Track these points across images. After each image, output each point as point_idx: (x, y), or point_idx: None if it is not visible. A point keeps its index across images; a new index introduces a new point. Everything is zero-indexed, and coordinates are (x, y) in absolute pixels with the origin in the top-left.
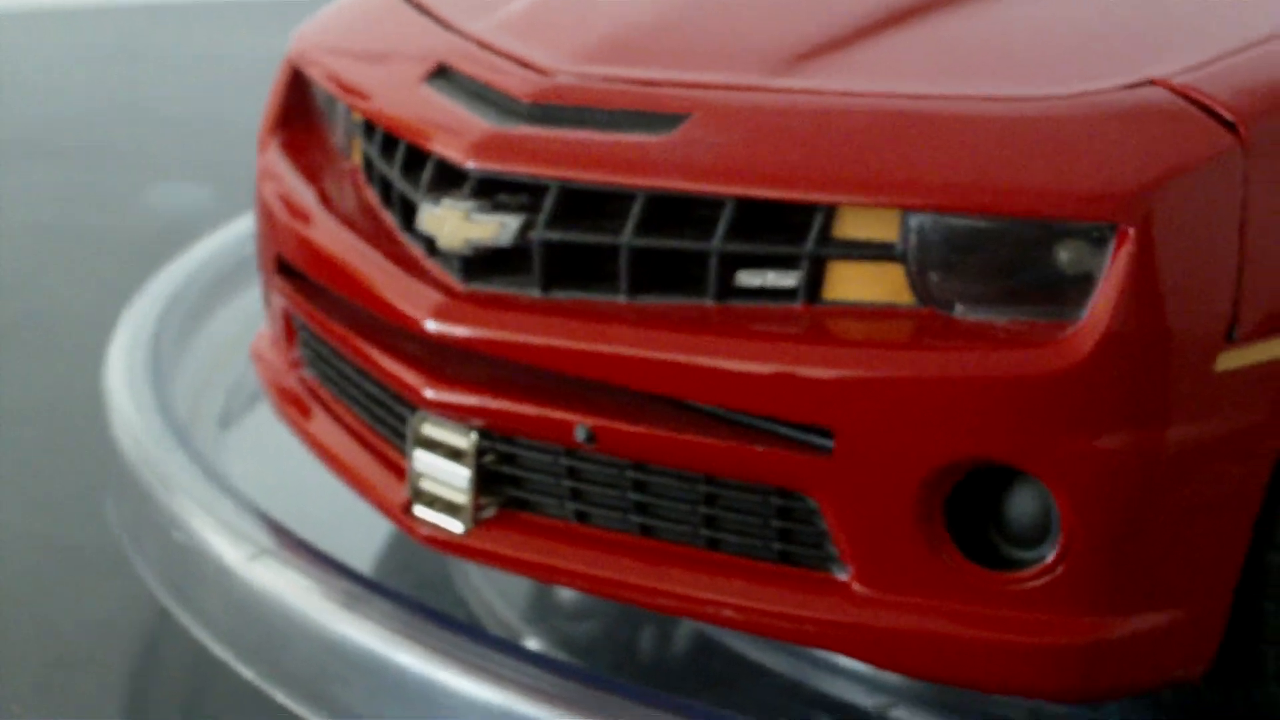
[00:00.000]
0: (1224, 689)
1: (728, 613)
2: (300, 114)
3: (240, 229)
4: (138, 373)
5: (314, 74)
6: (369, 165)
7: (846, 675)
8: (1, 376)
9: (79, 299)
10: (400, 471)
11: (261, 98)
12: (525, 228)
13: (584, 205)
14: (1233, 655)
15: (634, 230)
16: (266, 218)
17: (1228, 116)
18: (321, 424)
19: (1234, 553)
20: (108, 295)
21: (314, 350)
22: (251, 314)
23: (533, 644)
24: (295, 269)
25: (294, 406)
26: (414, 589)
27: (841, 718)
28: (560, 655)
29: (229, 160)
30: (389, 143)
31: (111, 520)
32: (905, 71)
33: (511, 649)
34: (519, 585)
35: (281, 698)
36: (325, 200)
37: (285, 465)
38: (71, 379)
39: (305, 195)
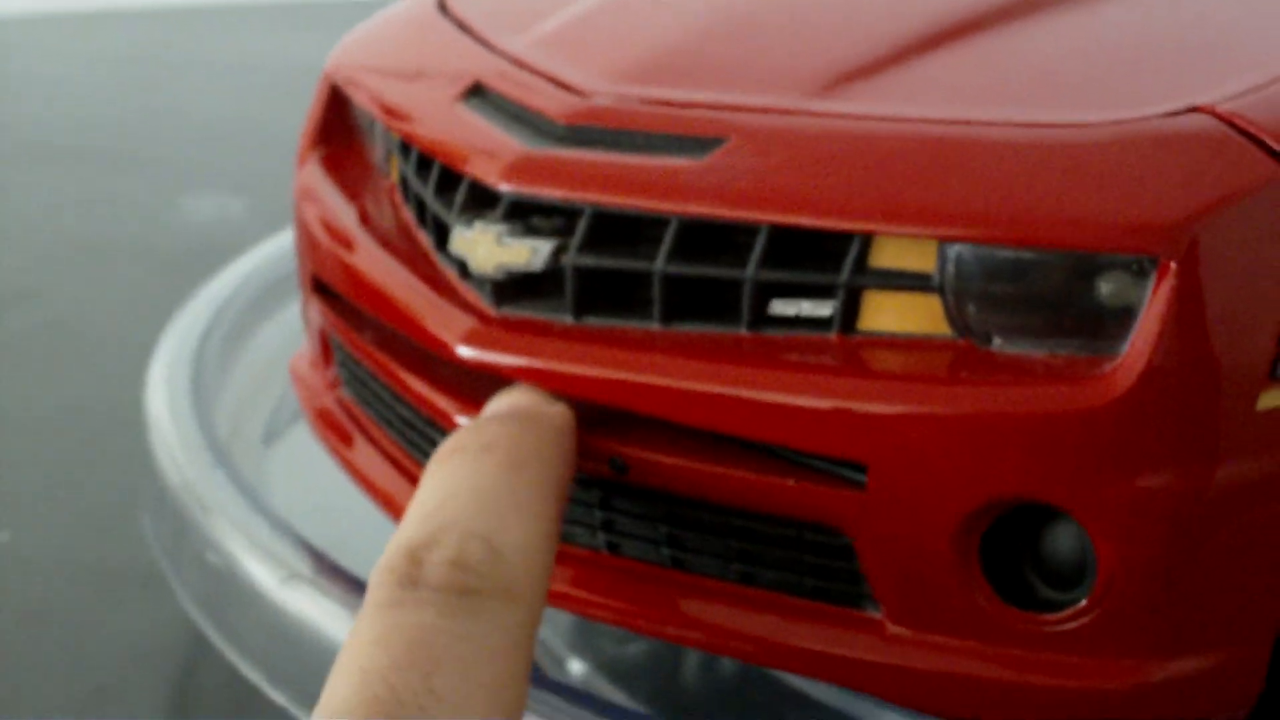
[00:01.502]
0: None
1: (758, 649)
2: (339, 129)
3: (281, 243)
4: (179, 391)
5: (352, 91)
6: (405, 184)
7: (888, 707)
8: (26, 385)
9: (105, 308)
10: None
11: (291, 103)
12: (558, 252)
13: (617, 230)
14: (1275, 698)
15: (667, 257)
16: (304, 236)
17: (1274, 145)
18: (357, 446)
19: (1276, 594)
20: (135, 305)
21: (350, 371)
22: (298, 328)
23: (576, 668)
24: (331, 288)
25: (330, 427)
26: None
27: None
28: (603, 679)
29: (259, 169)
30: (424, 162)
31: (149, 538)
32: (944, 95)
33: (548, 684)
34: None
35: None
36: (362, 219)
37: (328, 484)
38: (97, 388)
39: (342, 214)
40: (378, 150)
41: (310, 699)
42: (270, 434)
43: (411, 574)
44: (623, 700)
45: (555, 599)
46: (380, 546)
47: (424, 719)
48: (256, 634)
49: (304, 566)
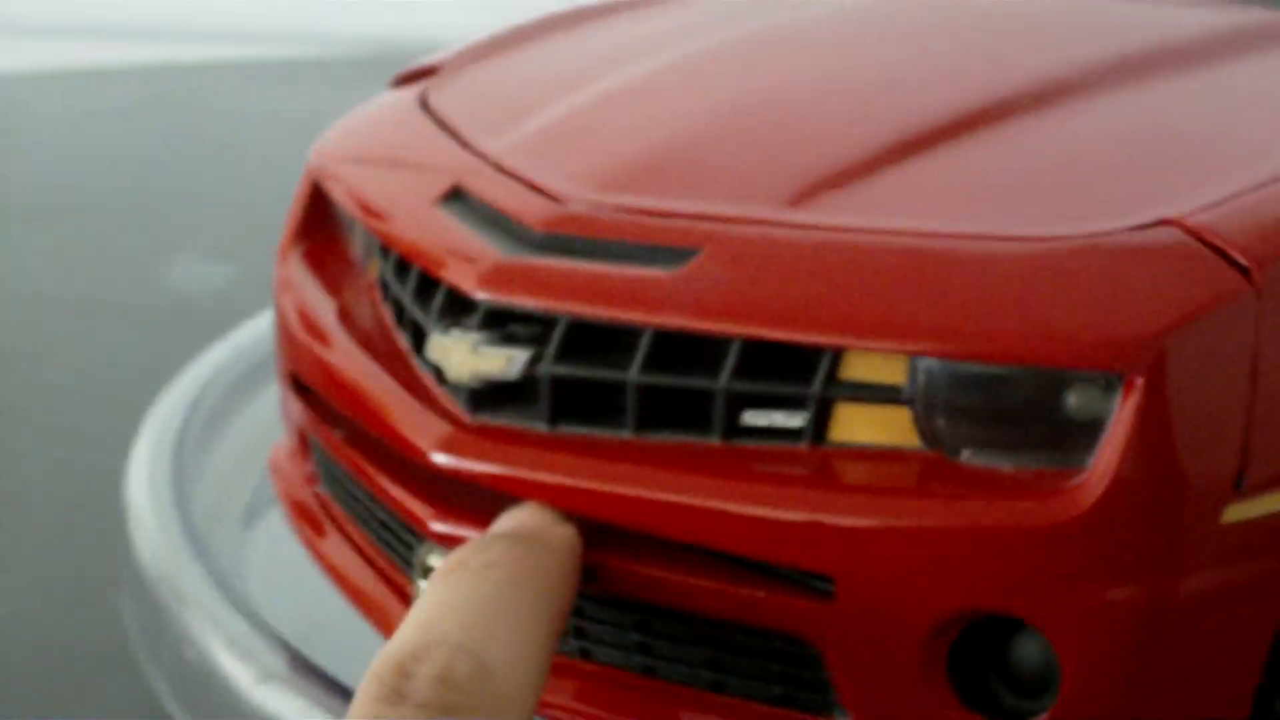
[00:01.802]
0: None
1: None
2: (322, 223)
3: (262, 324)
4: (159, 480)
5: (332, 189)
6: (385, 284)
7: None
8: (5, 454)
9: (87, 375)
10: (408, 598)
11: (282, 162)
12: (533, 361)
13: (592, 339)
14: None
15: (641, 367)
16: (284, 331)
17: (1241, 260)
18: (332, 542)
19: (1241, 704)
20: (118, 372)
21: (327, 468)
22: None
23: None
24: (309, 386)
25: (307, 522)
26: None
27: None
28: None
29: (244, 230)
30: (402, 265)
31: (127, 626)
32: (915, 206)
33: None
34: None
35: None
36: (340, 318)
37: (306, 569)
38: (76, 457)
39: (320, 312)
40: (358, 246)
41: None
42: (250, 514)
43: (398, 688)
44: None
45: None
46: (355, 637)
47: None
48: None
49: (279, 665)
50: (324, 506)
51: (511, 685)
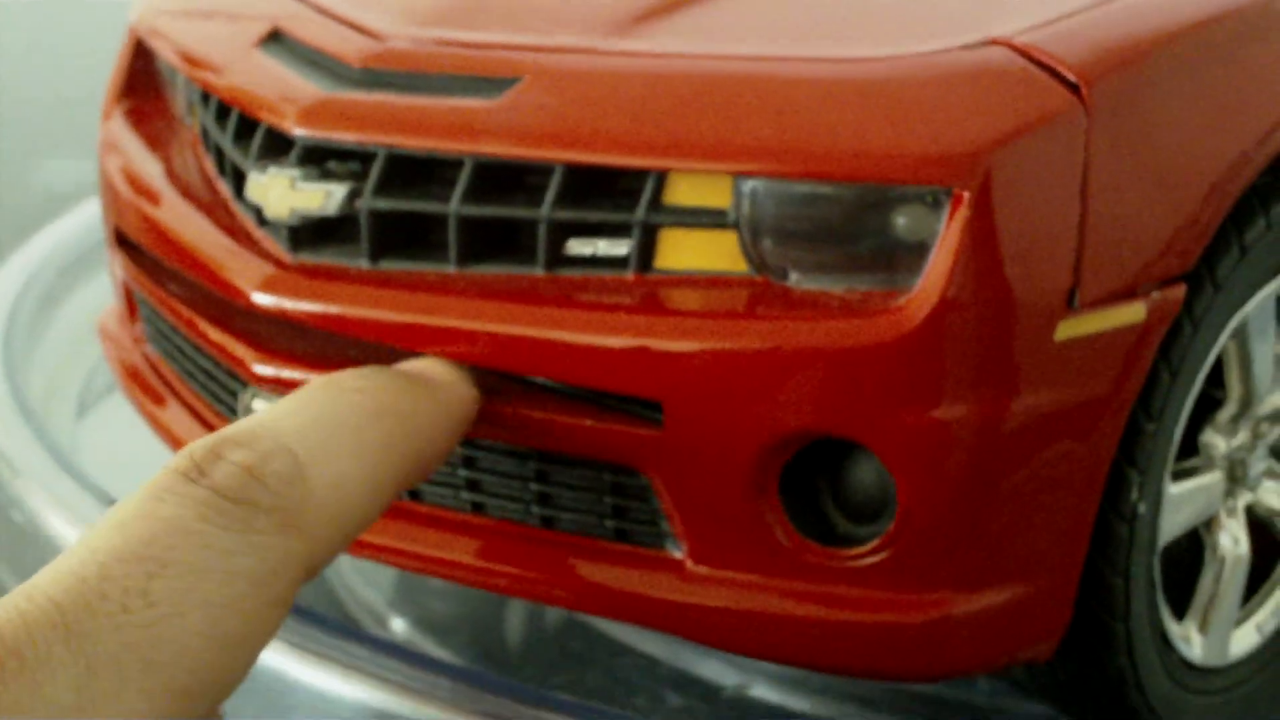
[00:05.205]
0: (1075, 664)
1: (560, 592)
2: (145, 82)
3: (93, 209)
4: None
5: (154, 42)
6: (206, 134)
7: (707, 653)
8: None
9: None
10: None
11: None
12: (352, 196)
13: (412, 172)
14: (1083, 630)
15: (462, 198)
16: (107, 189)
17: (1070, 77)
18: (164, 402)
19: (1081, 525)
20: None
21: (155, 325)
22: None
23: (397, 622)
24: (133, 241)
25: (137, 384)
26: None
27: (697, 696)
28: (423, 633)
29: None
30: (223, 110)
31: None
32: (742, 33)
33: (356, 636)
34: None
35: None
36: (161, 171)
37: (143, 455)
38: None
39: (142, 166)
40: (180, 102)
41: None
42: (83, 405)
43: (203, 466)
44: (446, 656)
45: (357, 548)
46: None
47: (122, 619)
48: None
49: None
50: (154, 367)
51: (325, 503)
